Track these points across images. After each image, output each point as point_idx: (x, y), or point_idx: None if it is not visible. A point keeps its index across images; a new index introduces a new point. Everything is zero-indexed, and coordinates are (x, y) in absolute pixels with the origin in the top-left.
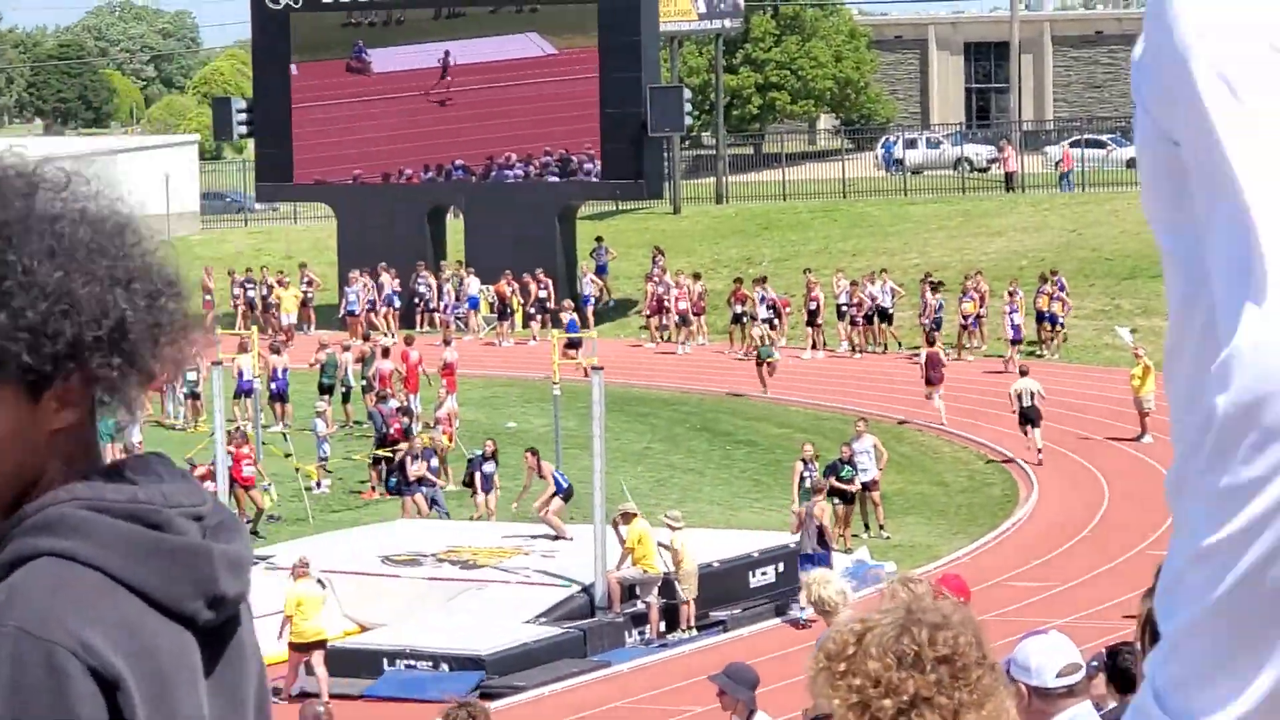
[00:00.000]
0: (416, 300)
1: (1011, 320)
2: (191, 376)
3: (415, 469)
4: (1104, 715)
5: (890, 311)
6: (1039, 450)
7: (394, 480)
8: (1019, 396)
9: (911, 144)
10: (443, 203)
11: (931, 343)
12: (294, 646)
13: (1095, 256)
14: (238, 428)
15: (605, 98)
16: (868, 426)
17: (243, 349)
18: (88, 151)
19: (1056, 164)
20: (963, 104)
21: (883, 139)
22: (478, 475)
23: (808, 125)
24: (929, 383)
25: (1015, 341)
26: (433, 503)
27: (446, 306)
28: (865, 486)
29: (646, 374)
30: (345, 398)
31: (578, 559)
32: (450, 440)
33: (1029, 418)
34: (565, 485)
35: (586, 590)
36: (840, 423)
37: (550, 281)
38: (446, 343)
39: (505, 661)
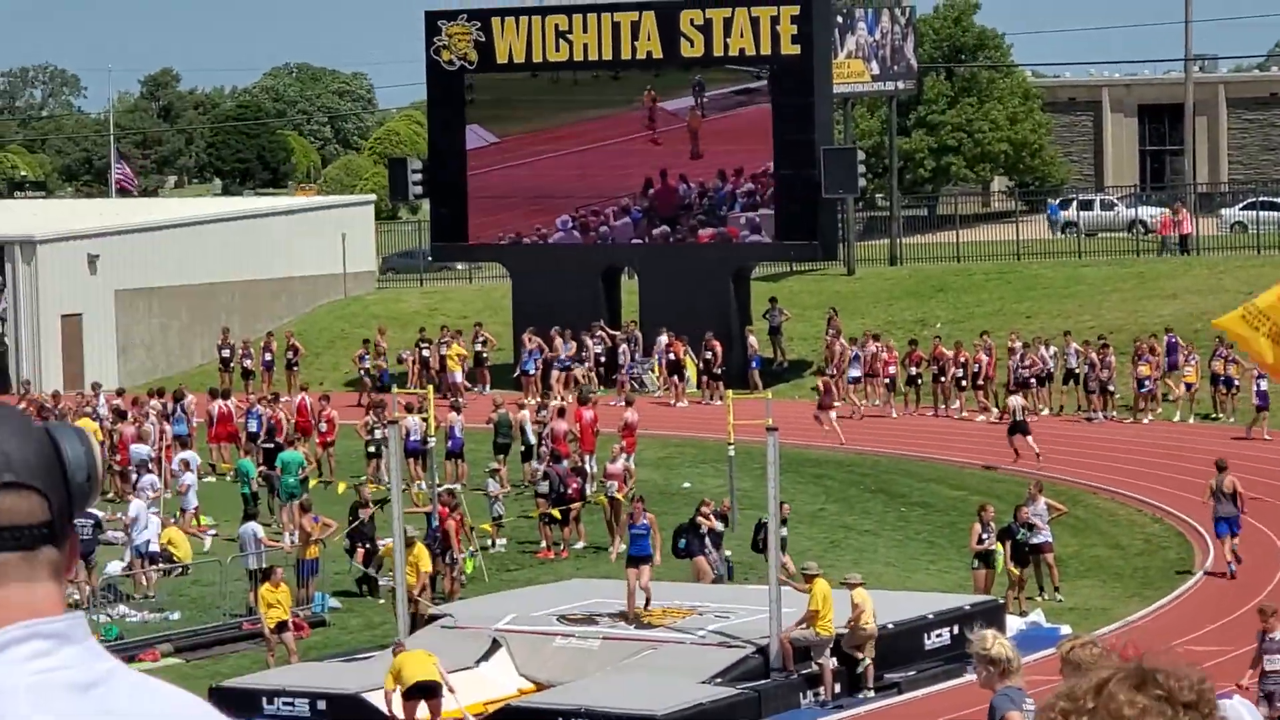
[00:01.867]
0: (588, 359)
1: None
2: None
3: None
4: None
5: (1076, 373)
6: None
7: (684, 542)
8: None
9: (1086, 206)
10: (617, 263)
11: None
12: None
13: None
14: (448, 489)
15: (779, 159)
16: (1042, 489)
17: (409, 409)
18: (266, 211)
19: (1232, 226)
20: (1137, 166)
21: (1053, 201)
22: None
23: (981, 187)
24: (821, 407)
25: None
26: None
27: (623, 367)
28: (1040, 549)
29: (821, 435)
30: (525, 455)
31: (752, 620)
32: (623, 499)
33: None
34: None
35: (761, 651)
36: (1015, 485)
37: (718, 344)
38: (628, 403)
39: None
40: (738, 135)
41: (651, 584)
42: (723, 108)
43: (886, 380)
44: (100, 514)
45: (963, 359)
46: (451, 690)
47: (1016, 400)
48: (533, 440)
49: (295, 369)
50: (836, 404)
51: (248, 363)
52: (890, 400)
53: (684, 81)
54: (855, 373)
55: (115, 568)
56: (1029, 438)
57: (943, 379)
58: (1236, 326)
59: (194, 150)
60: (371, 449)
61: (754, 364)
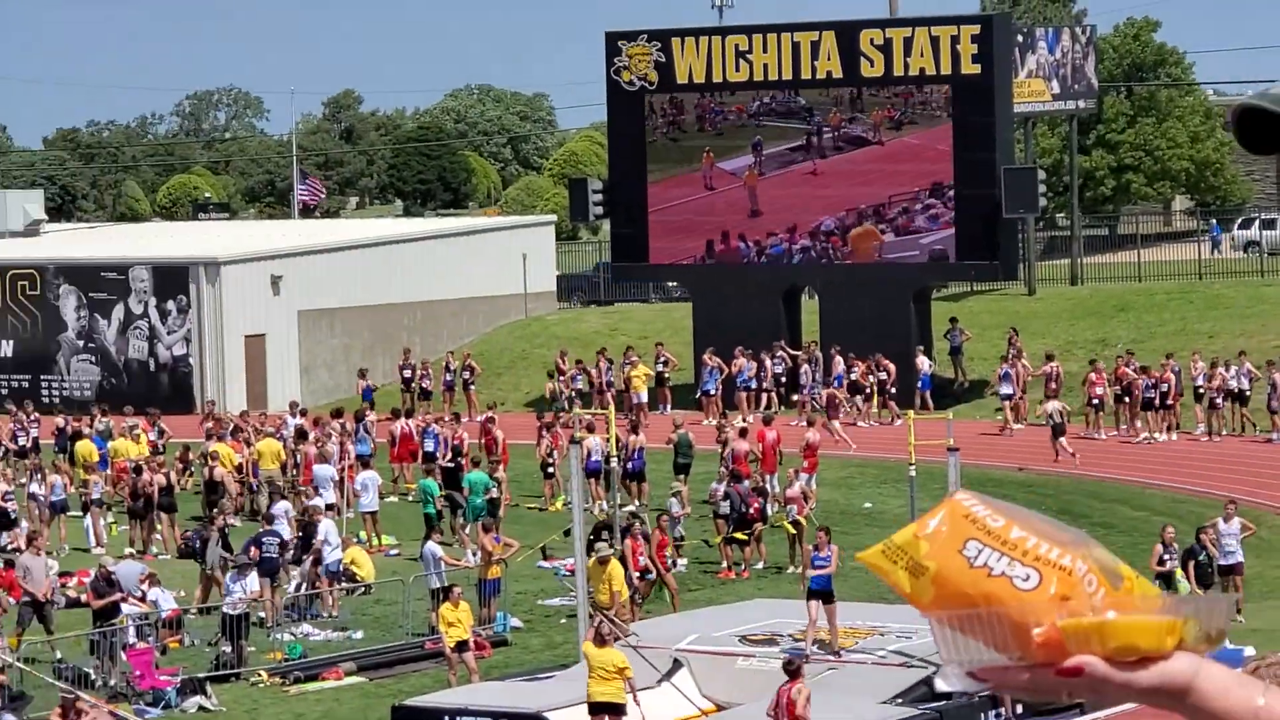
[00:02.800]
0: (767, 379)
1: None
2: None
3: None
4: None
5: (1247, 394)
6: None
7: None
8: None
9: (1269, 225)
10: (798, 283)
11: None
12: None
13: None
14: (630, 510)
15: (960, 179)
16: (1237, 509)
17: (590, 429)
18: (447, 231)
19: None
20: None
21: (1232, 221)
22: None
23: (1162, 206)
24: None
25: None
26: None
27: (804, 387)
28: (1232, 569)
29: (1003, 455)
30: (680, 469)
31: (932, 640)
32: (805, 521)
33: None
34: None
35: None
36: (1197, 506)
37: (891, 365)
38: (809, 424)
39: None
40: (918, 156)
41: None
42: (902, 128)
43: (1095, 401)
44: (286, 533)
45: (1150, 378)
46: (638, 704)
47: (1054, 405)
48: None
49: (472, 389)
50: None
51: (426, 383)
52: (1099, 421)
53: (863, 105)
54: (1007, 390)
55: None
56: (1063, 440)
57: (1127, 399)
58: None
59: (375, 171)
60: (549, 470)
61: (921, 385)
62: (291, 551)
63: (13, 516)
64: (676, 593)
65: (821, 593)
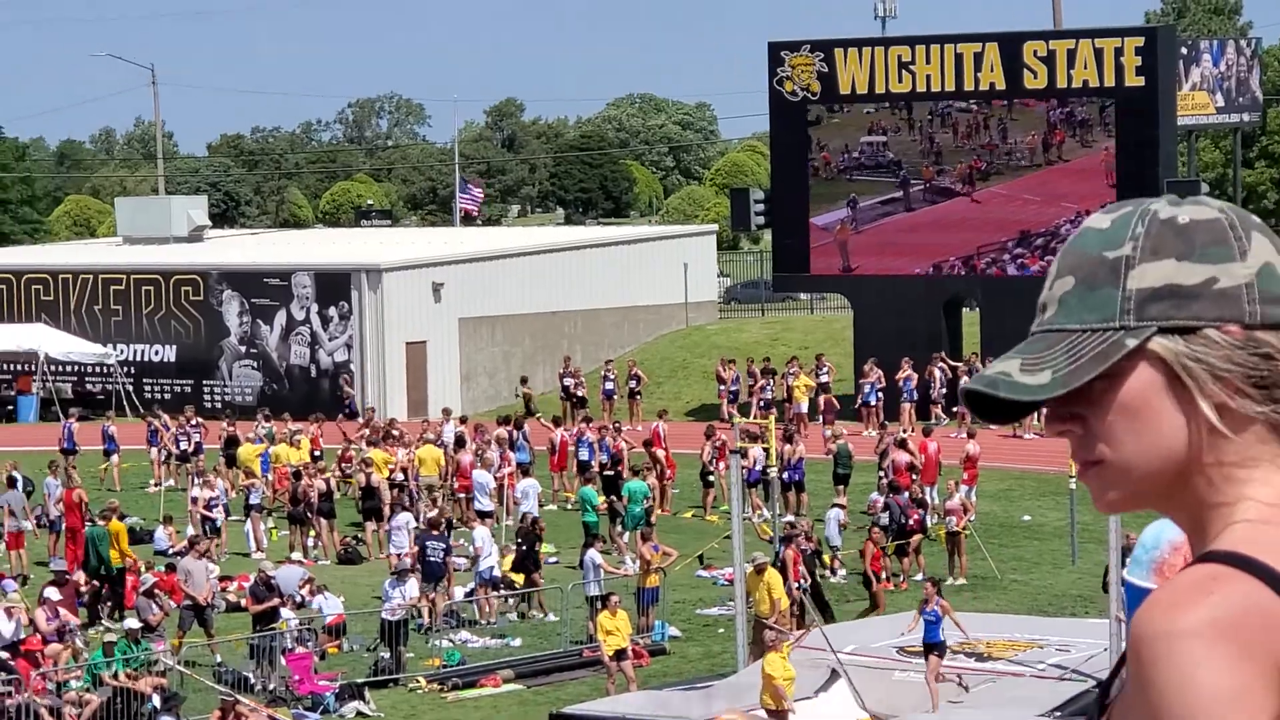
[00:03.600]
0: (934, 391)
1: None
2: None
3: None
4: None
5: None
6: None
7: None
8: None
9: None
10: (959, 294)
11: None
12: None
13: None
14: (788, 520)
15: (1121, 192)
16: None
17: (753, 439)
18: (608, 240)
19: None
20: None
21: None
22: None
23: None
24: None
25: None
26: None
27: None
28: None
29: None
30: (837, 479)
31: (1093, 654)
32: (964, 532)
33: None
34: None
35: (1100, 686)
36: None
37: None
38: (970, 435)
39: None
40: (1081, 174)
41: (996, 616)
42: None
43: None
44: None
45: None
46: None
47: None
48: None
49: (638, 397)
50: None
51: (581, 391)
52: None
53: (1028, 121)
54: None
55: (458, 593)
56: None
57: None
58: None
59: (537, 179)
60: (709, 478)
61: None
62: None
63: (218, 525)
64: (882, 604)
65: (933, 645)
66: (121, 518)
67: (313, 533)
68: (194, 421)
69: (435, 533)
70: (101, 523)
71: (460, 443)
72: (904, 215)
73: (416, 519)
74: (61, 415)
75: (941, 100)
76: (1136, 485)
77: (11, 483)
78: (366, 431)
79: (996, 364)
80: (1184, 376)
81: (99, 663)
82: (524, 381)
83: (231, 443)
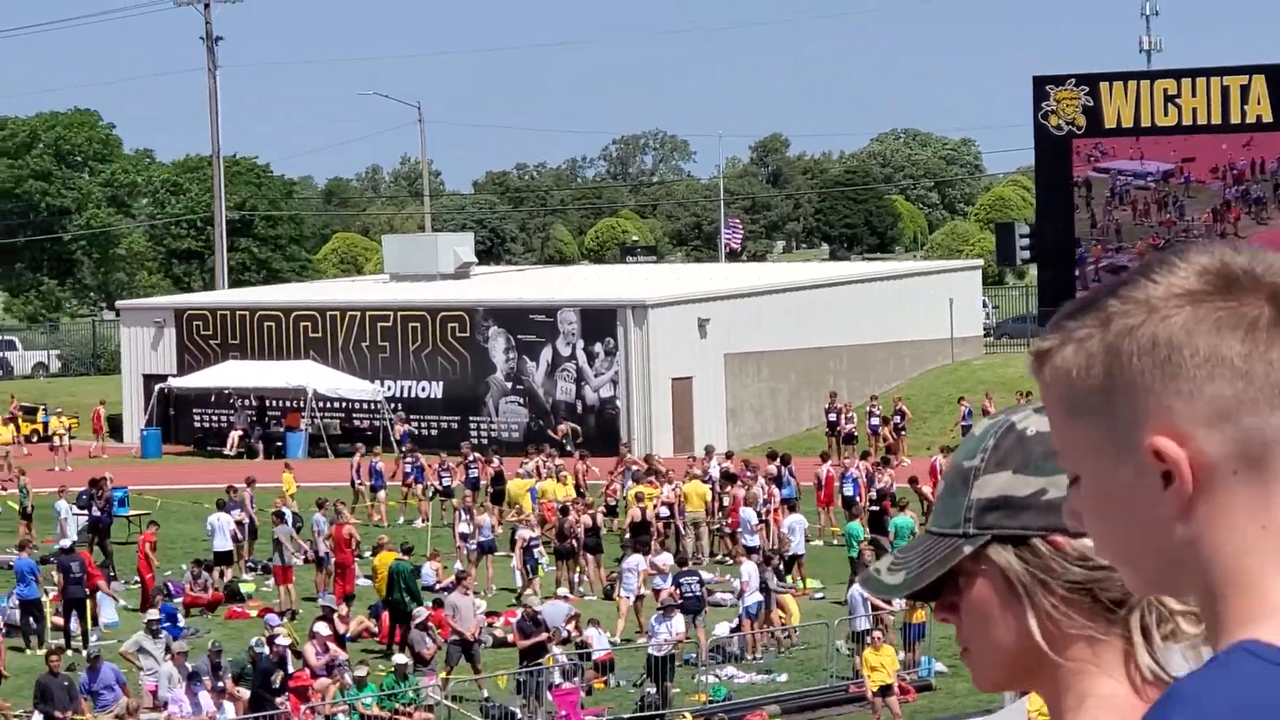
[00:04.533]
0: None
1: None
2: None
3: None
4: None
5: None
6: None
7: None
8: None
9: None
10: None
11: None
12: None
13: None
14: None
15: None
16: None
17: None
18: (873, 275)
19: None
20: None
21: None
22: None
23: None
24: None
25: None
26: None
27: None
28: None
29: None
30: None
31: None
32: None
33: None
34: None
35: None
36: None
37: None
38: None
39: None
40: None
41: None
42: None
43: None
44: (709, 575)
45: None
46: None
47: None
48: None
49: (903, 433)
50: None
51: (850, 426)
52: None
53: None
54: None
55: (723, 629)
56: None
57: None
58: None
59: (802, 215)
60: None
61: None
62: (718, 594)
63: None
64: None
65: None
66: (407, 552)
67: (579, 568)
68: (471, 458)
69: (689, 568)
70: (404, 557)
71: (728, 478)
72: None
73: (679, 555)
74: (330, 452)
75: (1207, 133)
76: (996, 672)
77: (280, 517)
78: (634, 468)
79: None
80: (1016, 585)
81: (359, 697)
82: (563, 429)
83: (498, 479)
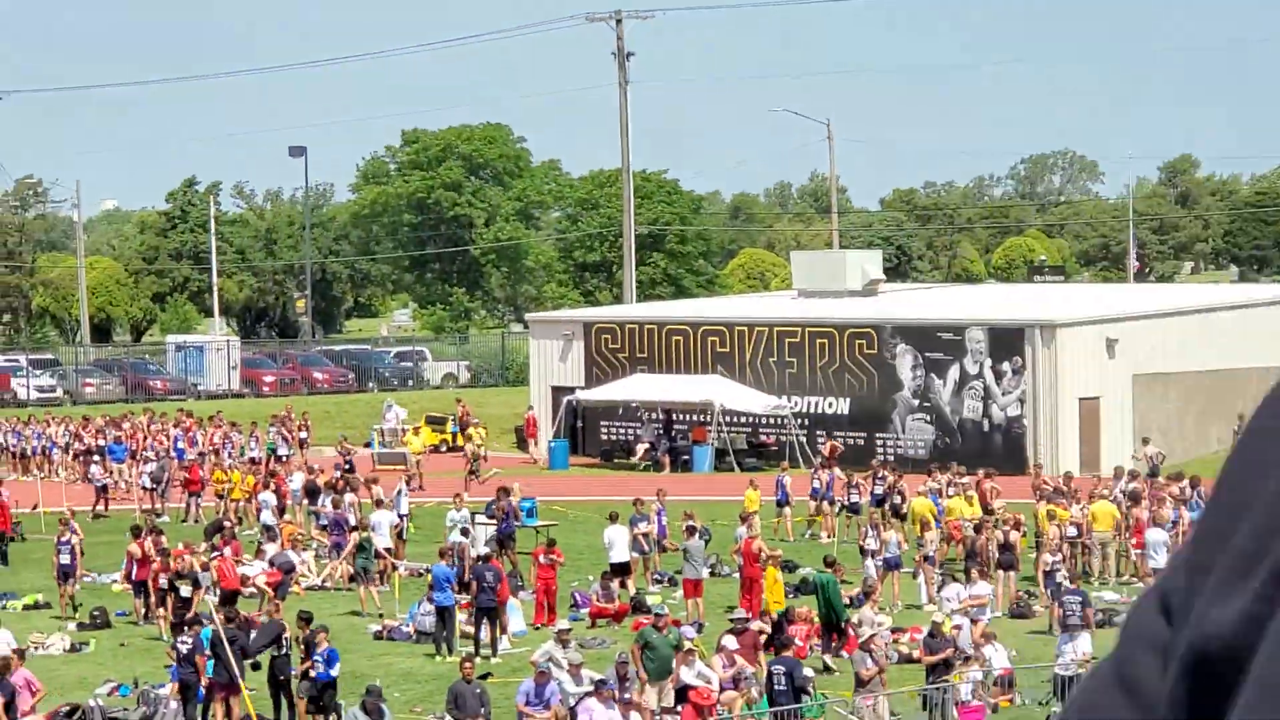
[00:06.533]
0: None
1: None
2: None
3: None
4: None
5: None
6: None
7: None
8: None
9: None
10: None
11: None
12: None
13: None
14: None
15: None
16: None
17: None
18: None
19: None
20: None
21: None
22: None
23: None
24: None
25: None
26: None
27: None
28: None
29: None
30: None
31: None
32: None
33: None
34: None
35: None
36: None
37: None
38: None
39: None
40: None
41: None
42: None
43: None
44: (1114, 595)
45: None
46: None
47: None
48: None
49: None
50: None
51: None
52: None
53: None
54: None
55: None
56: None
57: None
58: None
59: (1210, 236)
60: None
61: None
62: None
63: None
64: None
65: None
66: (831, 565)
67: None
68: (880, 474)
69: (1074, 586)
70: (828, 570)
71: (1134, 499)
72: None
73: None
74: (736, 466)
75: None
76: None
77: (691, 531)
78: (1048, 488)
79: None
80: None
81: (765, 712)
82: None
83: (899, 496)
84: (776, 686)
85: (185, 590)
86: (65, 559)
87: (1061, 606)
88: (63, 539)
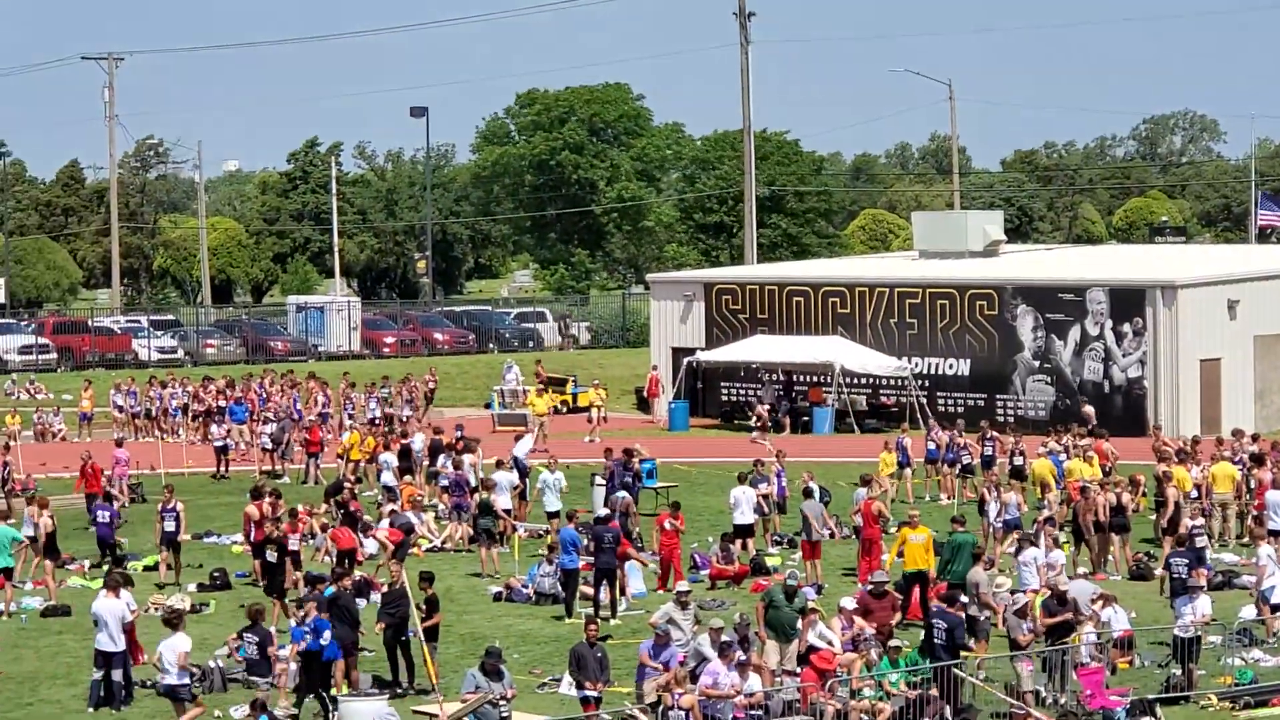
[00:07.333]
0: None
1: None
2: None
3: None
4: None
5: None
6: None
7: None
8: None
9: None
10: None
11: None
12: None
13: None
14: None
15: None
16: None
17: None
18: None
19: None
20: None
21: None
22: None
23: None
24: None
25: None
26: None
27: None
28: None
29: None
30: None
31: None
32: None
33: None
34: None
35: None
36: None
37: None
38: None
39: None
40: None
41: None
42: None
43: None
44: (1234, 557)
45: None
46: None
47: None
48: None
49: None
50: None
51: None
52: None
53: None
54: None
55: (1249, 612)
56: None
57: None
58: None
59: None
60: None
61: None
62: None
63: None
64: None
65: None
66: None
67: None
68: (989, 435)
69: (1183, 548)
70: (959, 529)
71: (1256, 460)
72: None
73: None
74: (856, 427)
75: None
76: None
77: (808, 493)
78: (1168, 449)
79: None
80: None
81: (886, 674)
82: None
83: (1018, 457)
84: (936, 640)
85: (271, 556)
86: (170, 526)
87: (1168, 569)
88: (167, 506)
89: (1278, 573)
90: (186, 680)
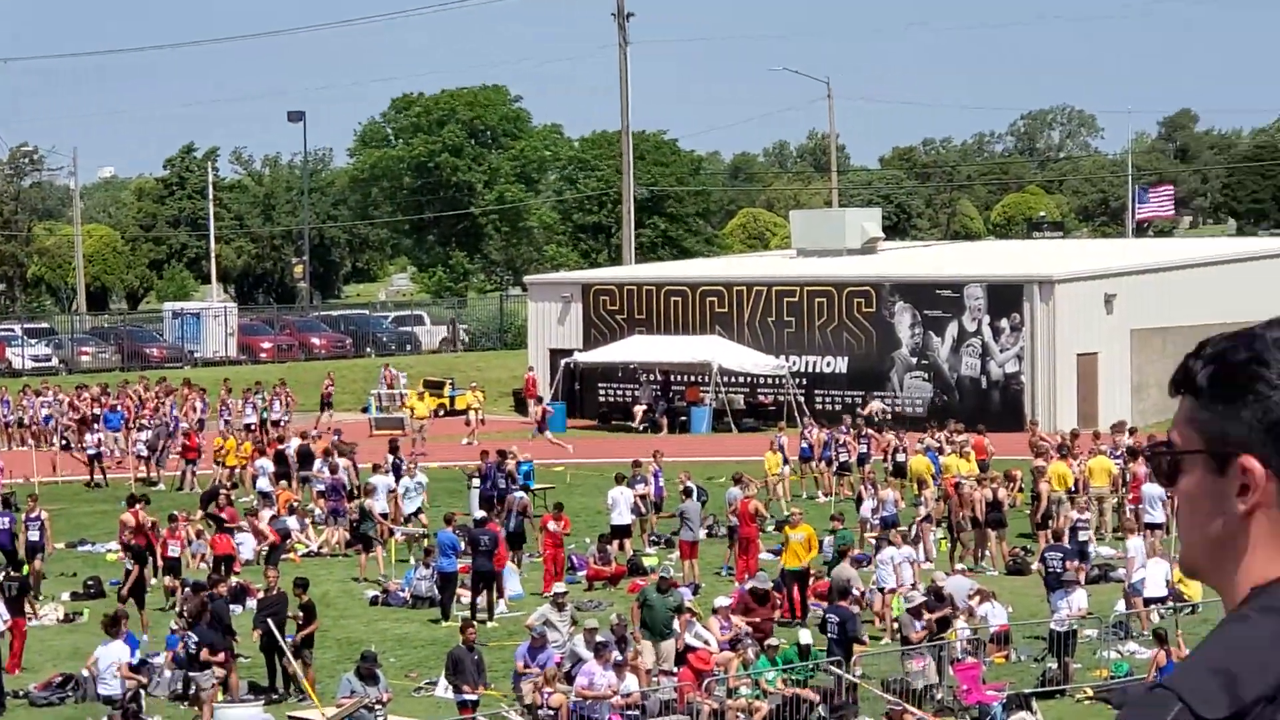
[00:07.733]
0: None
1: None
2: None
3: None
4: None
5: None
6: None
7: None
8: None
9: None
10: None
11: None
12: None
13: None
14: None
15: None
16: None
17: None
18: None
19: None
20: None
21: None
22: None
23: None
24: None
25: None
26: None
27: None
28: None
29: None
30: None
31: None
32: None
33: None
34: None
35: None
36: None
37: None
38: None
39: None
40: None
41: None
42: None
43: None
44: (1110, 550)
45: None
46: None
47: None
48: None
49: None
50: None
51: None
52: None
53: None
54: None
55: (1124, 606)
56: None
57: None
58: None
59: (1209, 191)
60: None
61: None
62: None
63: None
64: None
65: None
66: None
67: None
68: (863, 433)
69: (1057, 543)
70: (840, 525)
71: (1133, 454)
72: None
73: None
74: (734, 427)
75: None
76: None
77: (687, 493)
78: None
79: None
80: None
81: (763, 672)
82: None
83: (897, 454)
84: (830, 635)
85: (129, 564)
86: (34, 535)
87: (1043, 563)
88: (31, 515)
89: (1148, 565)
90: (120, 691)
